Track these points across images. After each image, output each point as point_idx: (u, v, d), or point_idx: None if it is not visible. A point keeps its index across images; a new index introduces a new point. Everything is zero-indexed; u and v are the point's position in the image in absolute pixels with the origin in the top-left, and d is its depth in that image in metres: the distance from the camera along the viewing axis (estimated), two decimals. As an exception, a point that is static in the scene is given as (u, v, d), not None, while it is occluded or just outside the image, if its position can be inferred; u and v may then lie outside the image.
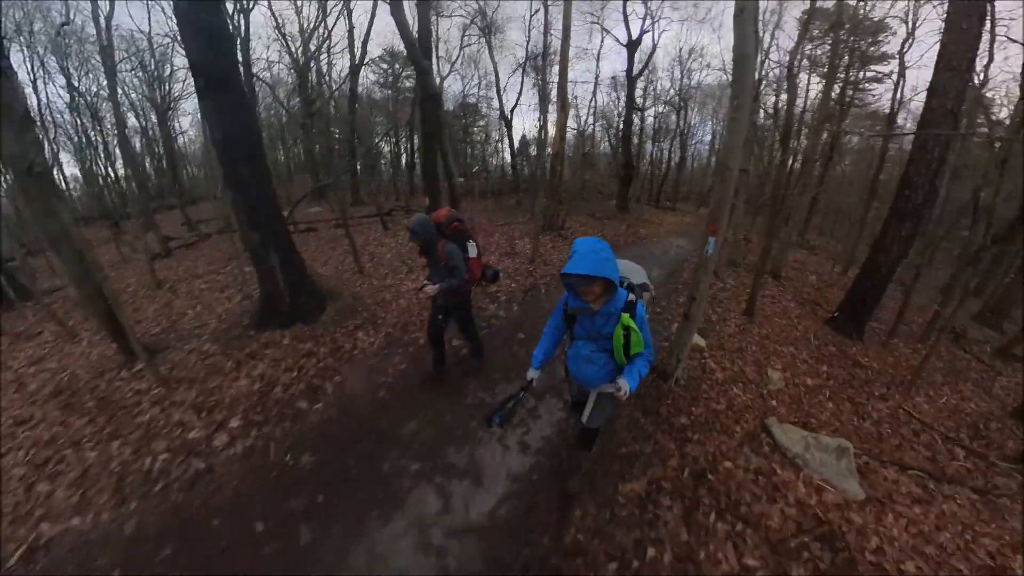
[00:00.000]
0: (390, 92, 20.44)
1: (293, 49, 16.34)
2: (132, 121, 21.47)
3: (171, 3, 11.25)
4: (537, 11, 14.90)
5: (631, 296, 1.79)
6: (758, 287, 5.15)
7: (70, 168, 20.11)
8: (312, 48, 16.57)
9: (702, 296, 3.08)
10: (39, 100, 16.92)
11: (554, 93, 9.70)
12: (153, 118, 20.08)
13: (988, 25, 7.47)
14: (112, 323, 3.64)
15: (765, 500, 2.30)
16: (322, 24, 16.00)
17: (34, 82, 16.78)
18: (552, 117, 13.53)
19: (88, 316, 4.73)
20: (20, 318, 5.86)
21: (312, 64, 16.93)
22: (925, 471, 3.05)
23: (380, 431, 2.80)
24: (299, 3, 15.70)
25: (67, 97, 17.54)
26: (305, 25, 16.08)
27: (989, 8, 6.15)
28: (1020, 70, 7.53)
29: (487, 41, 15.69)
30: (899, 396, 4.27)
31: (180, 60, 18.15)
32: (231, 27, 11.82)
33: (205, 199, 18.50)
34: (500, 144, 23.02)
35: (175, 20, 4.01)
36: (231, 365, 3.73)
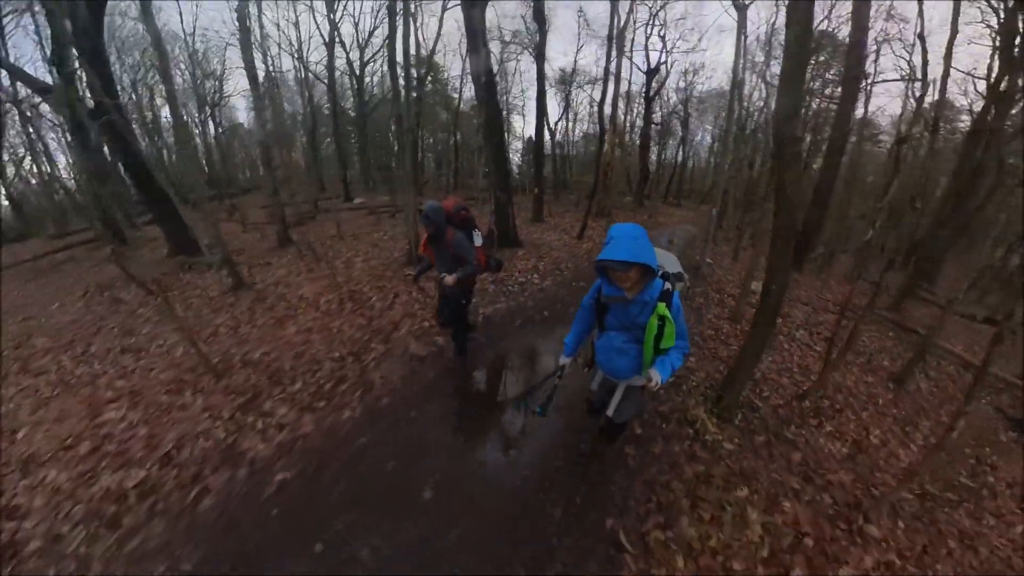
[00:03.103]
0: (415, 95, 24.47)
1: (347, 50, 20.20)
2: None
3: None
4: (583, 45, 19.34)
5: (667, 285, 1.82)
6: (740, 241, 9.84)
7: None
8: (368, 54, 20.70)
9: (711, 232, 7.59)
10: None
11: (592, 115, 14.30)
12: (195, 111, 23.06)
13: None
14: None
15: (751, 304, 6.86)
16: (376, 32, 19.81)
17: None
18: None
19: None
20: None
21: (368, 68, 21.12)
22: (830, 309, 7.65)
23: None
24: (357, 14, 19.74)
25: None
26: (360, 37, 20.16)
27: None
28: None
29: (538, 65, 20.11)
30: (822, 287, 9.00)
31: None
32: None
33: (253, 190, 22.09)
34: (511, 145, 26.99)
35: (472, 75, 7.47)
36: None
